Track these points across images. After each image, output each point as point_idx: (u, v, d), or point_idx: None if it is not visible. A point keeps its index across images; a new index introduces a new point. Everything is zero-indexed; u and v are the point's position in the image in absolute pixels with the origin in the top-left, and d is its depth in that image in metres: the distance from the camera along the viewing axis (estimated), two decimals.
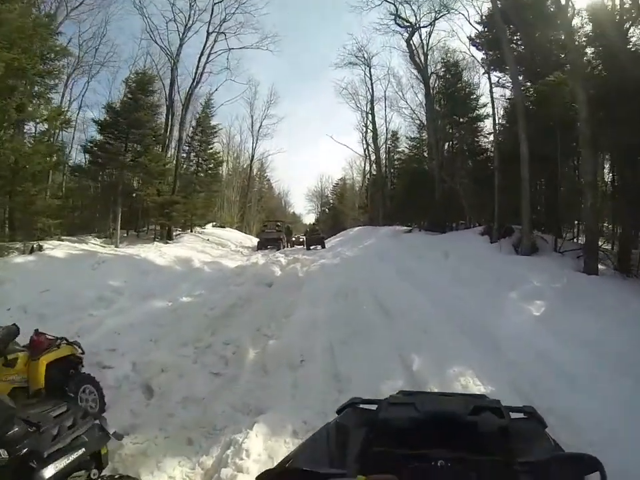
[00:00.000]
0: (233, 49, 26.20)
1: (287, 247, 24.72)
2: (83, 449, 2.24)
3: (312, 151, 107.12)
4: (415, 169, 23.50)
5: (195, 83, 24.06)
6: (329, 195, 60.36)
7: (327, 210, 58.16)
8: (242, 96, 40.30)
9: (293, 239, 28.25)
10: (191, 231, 24.55)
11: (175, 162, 23.49)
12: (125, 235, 20.63)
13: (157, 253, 16.10)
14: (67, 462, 2.11)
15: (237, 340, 6.59)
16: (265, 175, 61.99)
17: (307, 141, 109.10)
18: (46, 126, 14.47)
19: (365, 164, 41.00)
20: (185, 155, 25.77)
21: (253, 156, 40.51)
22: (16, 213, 13.79)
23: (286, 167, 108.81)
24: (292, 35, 67.07)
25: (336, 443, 1.18)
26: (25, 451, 2.01)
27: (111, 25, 26.67)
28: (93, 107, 41.10)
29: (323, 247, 22.58)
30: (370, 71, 30.85)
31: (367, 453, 1.07)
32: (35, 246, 12.15)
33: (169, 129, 23.41)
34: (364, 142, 36.13)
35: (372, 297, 8.79)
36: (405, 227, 22.20)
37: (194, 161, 27.03)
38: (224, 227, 30.73)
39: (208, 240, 22.87)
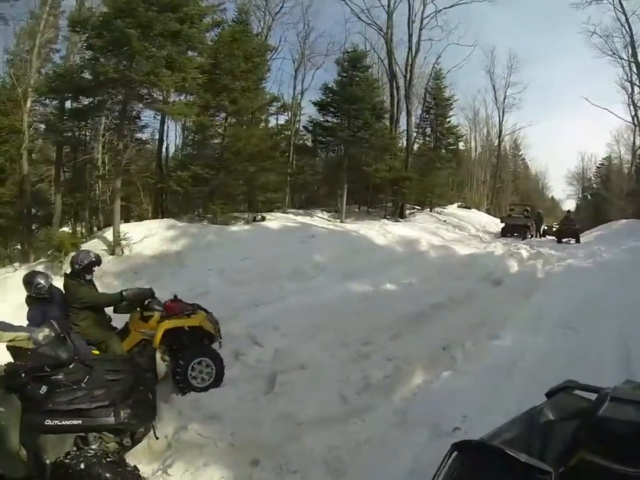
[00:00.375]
0: (443, 8, 23.38)
1: (536, 236, 20.87)
2: (80, 422, 2.63)
3: (570, 122, 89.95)
4: None
5: (413, 53, 22.54)
6: (592, 177, 48.70)
7: (588, 196, 47.09)
8: (474, 63, 36.54)
9: (545, 227, 23.36)
10: (430, 210, 23.14)
11: (406, 137, 22.58)
12: (357, 210, 20.98)
13: (381, 231, 15.48)
14: (58, 423, 2.59)
15: (407, 358, 5.04)
16: (520, 153, 55.97)
17: (562, 110, 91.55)
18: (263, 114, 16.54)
19: (634, 135, 30.90)
20: (417, 129, 24.25)
21: (500, 131, 35.50)
22: (244, 189, 15.56)
23: (541, 143, 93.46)
24: None
25: (540, 430, 1.00)
26: (45, 394, 2.60)
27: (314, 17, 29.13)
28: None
29: (578, 241, 18.23)
30: (620, 1, 21.33)
31: (572, 457, 0.87)
32: (258, 217, 13.26)
33: (395, 103, 22.56)
34: (630, 104, 26.14)
35: (618, 343, 5.01)
36: None
37: (431, 137, 25.11)
38: (470, 209, 27.88)
39: (444, 221, 21.10)
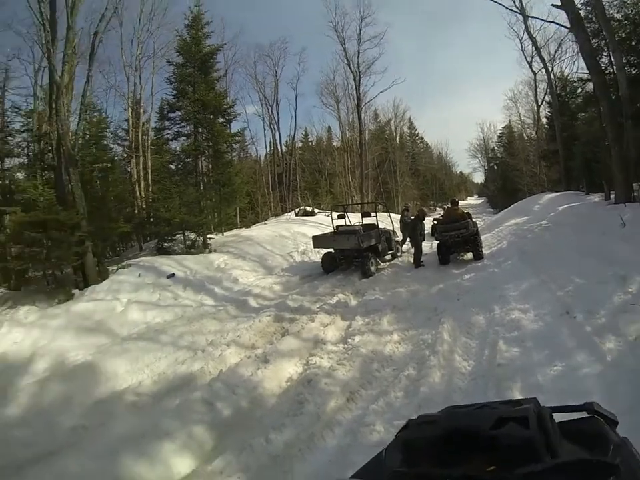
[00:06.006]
0: None
1: (399, 254, 11.15)
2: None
3: (463, 93, 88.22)
4: None
5: None
6: (495, 147, 45.34)
7: (494, 166, 42.79)
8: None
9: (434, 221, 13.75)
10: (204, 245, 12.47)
11: None
12: None
13: None
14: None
15: None
16: (416, 132, 52.15)
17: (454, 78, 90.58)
18: None
19: (535, 83, 25.39)
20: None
21: (359, 99, 27.07)
22: None
23: (435, 119, 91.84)
24: None
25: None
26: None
27: None
28: None
29: (478, 255, 9.34)
30: None
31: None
32: None
33: None
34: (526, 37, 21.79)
35: None
36: None
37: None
38: (313, 214, 19.62)
39: None
